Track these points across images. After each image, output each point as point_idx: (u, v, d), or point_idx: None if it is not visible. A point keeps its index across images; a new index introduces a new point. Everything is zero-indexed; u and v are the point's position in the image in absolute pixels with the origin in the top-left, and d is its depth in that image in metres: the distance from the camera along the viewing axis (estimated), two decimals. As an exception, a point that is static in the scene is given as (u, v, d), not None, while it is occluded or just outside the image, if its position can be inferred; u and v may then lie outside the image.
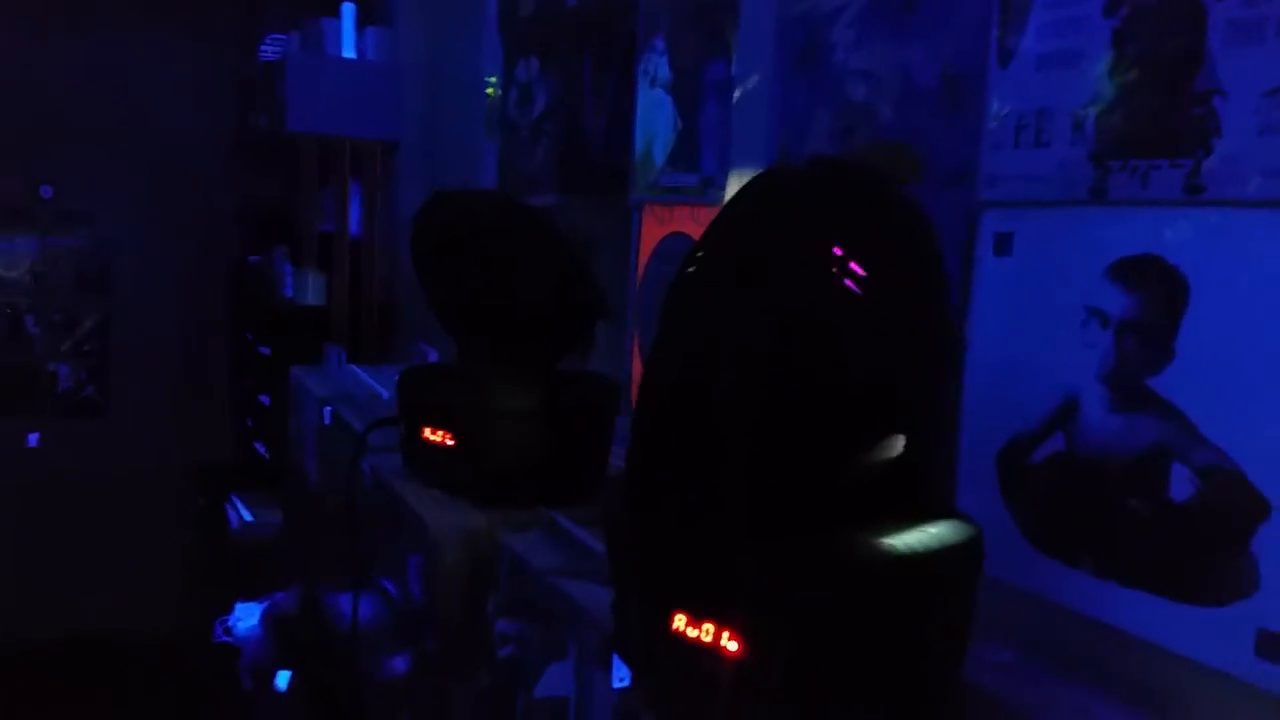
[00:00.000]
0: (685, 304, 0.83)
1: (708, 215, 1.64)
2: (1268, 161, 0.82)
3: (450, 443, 1.41)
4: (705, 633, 0.78)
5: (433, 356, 2.66)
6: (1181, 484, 0.89)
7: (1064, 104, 1.00)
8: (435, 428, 1.42)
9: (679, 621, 0.80)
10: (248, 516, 3.52)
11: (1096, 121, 0.97)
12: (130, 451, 4.67)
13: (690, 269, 0.81)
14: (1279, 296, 0.82)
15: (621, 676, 0.91)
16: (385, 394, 2.07)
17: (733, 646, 0.77)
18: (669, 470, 0.82)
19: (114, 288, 4.72)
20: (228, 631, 2.31)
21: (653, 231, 1.83)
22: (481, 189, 2.49)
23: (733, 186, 1.55)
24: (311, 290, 3.46)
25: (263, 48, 3.80)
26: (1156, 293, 0.91)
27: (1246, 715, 0.84)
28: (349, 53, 3.34)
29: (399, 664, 1.55)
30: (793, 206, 0.79)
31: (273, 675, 2.03)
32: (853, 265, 0.72)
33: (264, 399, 3.81)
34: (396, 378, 1.55)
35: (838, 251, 0.73)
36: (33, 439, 4.65)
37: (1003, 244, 1.06)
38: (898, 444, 0.78)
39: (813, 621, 0.75)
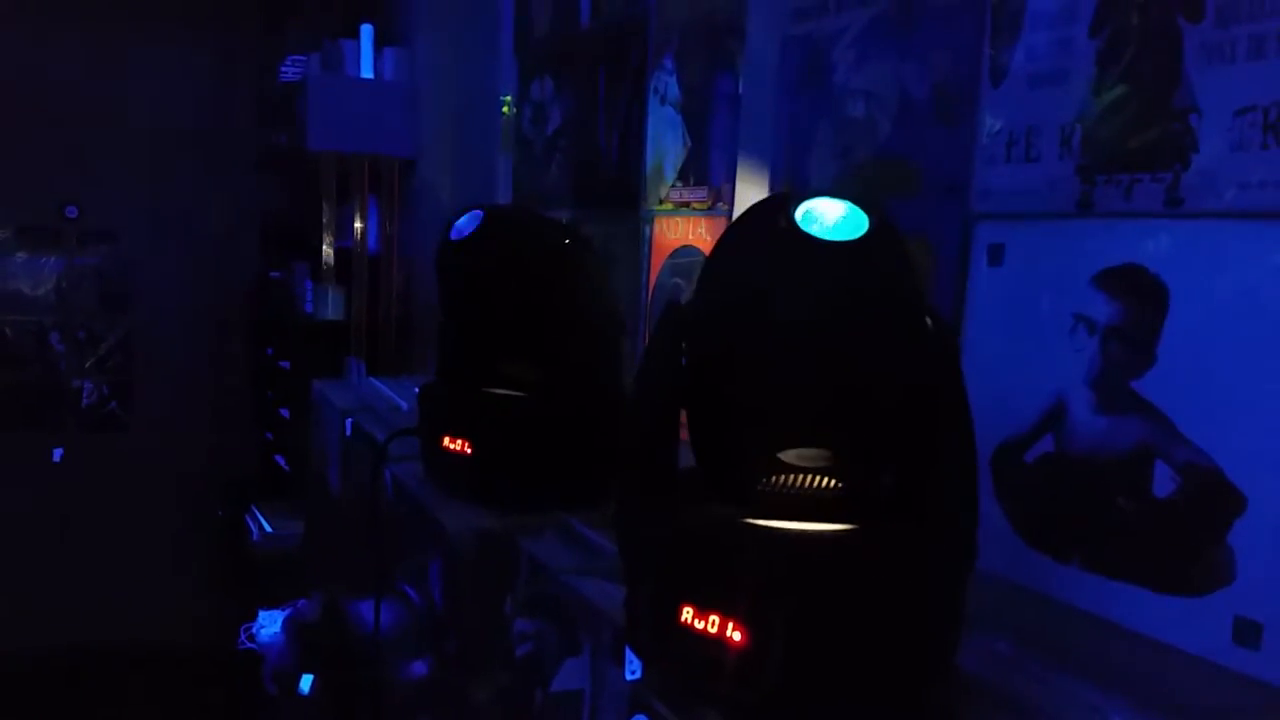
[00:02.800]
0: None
1: (716, 228, 1.69)
2: (1241, 175, 0.87)
3: (469, 451, 1.46)
4: (711, 624, 0.83)
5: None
6: (1164, 481, 0.93)
7: (1052, 120, 1.05)
8: (454, 437, 1.47)
9: (686, 614, 0.84)
10: (268, 527, 3.57)
11: (1083, 137, 1.02)
12: (153, 465, 4.74)
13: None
14: (1253, 303, 0.86)
15: (634, 669, 0.96)
16: (405, 405, 2.13)
17: (737, 637, 0.81)
18: (663, 471, 0.88)
19: (136, 305, 4.80)
20: (251, 638, 2.35)
21: (663, 244, 1.88)
22: (515, 205, 2.53)
23: (740, 201, 1.60)
24: (331, 305, 3.51)
25: (283, 69, 3.88)
26: (1139, 300, 0.95)
27: (1225, 699, 0.88)
28: (367, 73, 3.40)
29: (419, 668, 1.59)
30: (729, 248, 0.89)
31: (296, 680, 2.07)
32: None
33: (284, 412, 3.87)
34: (416, 389, 1.60)
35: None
36: (57, 454, 4.72)
37: (995, 255, 1.11)
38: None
39: (810, 613, 0.80)
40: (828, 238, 0.79)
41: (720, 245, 0.90)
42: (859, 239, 0.80)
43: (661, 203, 1.88)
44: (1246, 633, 0.86)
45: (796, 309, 0.80)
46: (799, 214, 0.80)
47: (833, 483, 0.83)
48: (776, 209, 0.82)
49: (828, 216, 0.80)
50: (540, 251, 1.49)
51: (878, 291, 0.82)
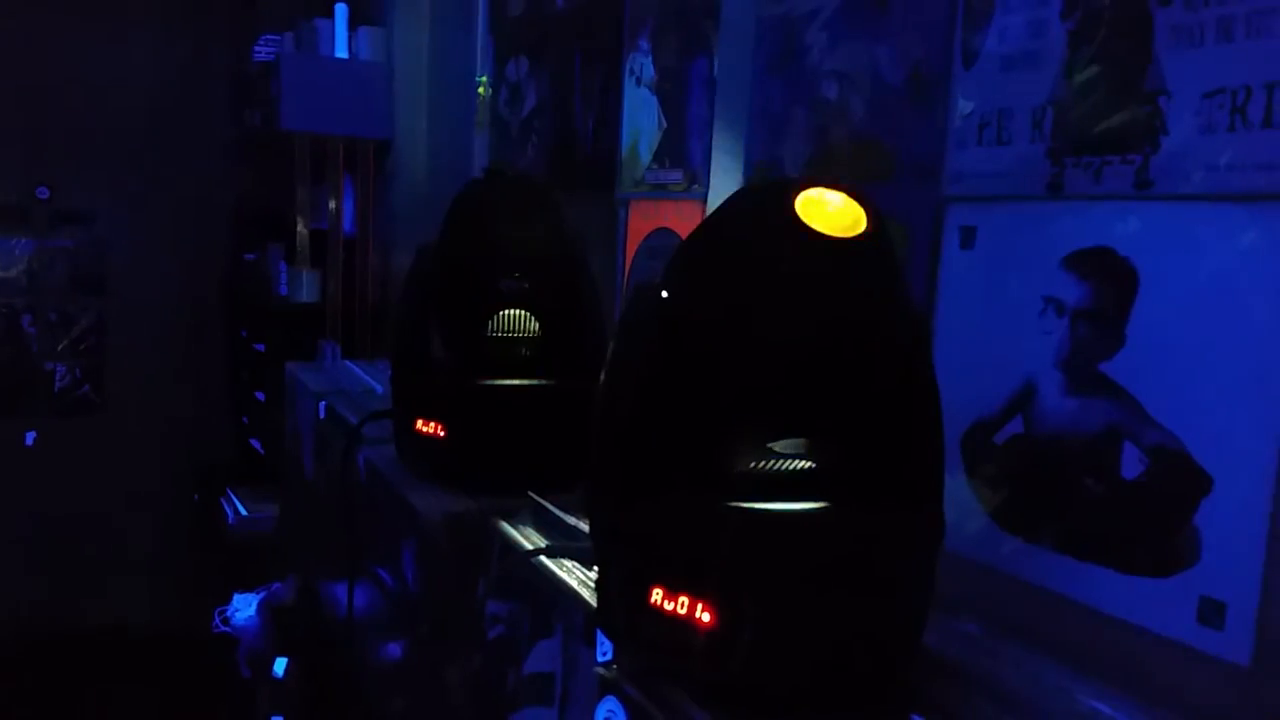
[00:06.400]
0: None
1: (692, 211, 1.69)
2: (1209, 158, 0.87)
3: (442, 434, 1.46)
4: (681, 605, 0.83)
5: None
6: (1132, 463, 0.93)
7: (1024, 103, 1.05)
8: (427, 420, 1.47)
9: (656, 596, 0.84)
10: (244, 511, 3.56)
11: (1054, 120, 1.02)
12: (127, 449, 4.70)
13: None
14: (1220, 285, 0.87)
15: (605, 651, 0.96)
16: (379, 388, 2.12)
17: (705, 618, 0.82)
18: (634, 453, 0.88)
19: (109, 287, 4.75)
20: (226, 622, 2.35)
21: (639, 227, 1.87)
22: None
23: (715, 183, 1.60)
24: (306, 287, 3.49)
25: (257, 48, 3.84)
26: (1108, 282, 0.96)
27: (1190, 679, 0.89)
28: (341, 53, 3.37)
29: (394, 650, 1.59)
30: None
31: (270, 663, 2.07)
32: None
33: (259, 395, 3.85)
34: (390, 372, 1.59)
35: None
36: (30, 438, 4.68)
37: (967, 237, 1.11)
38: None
39: (777, 593, 0.80)
40: (832, 233, 0.79)
41: (708, 230, 0.89)
42: (862, 234, 0.79)
43: (637, 185, 1.87)
44: (1211, 613, 0.87)
45: (792, 299, 0.79)
46: (800, 206, 0.80)
47: (807, 464, 0.83)
48: (776, 199, 0.81)
49: (829, 209, 0.80)
50: (563, 218, 1.49)
51: (870, 282, 0.82)
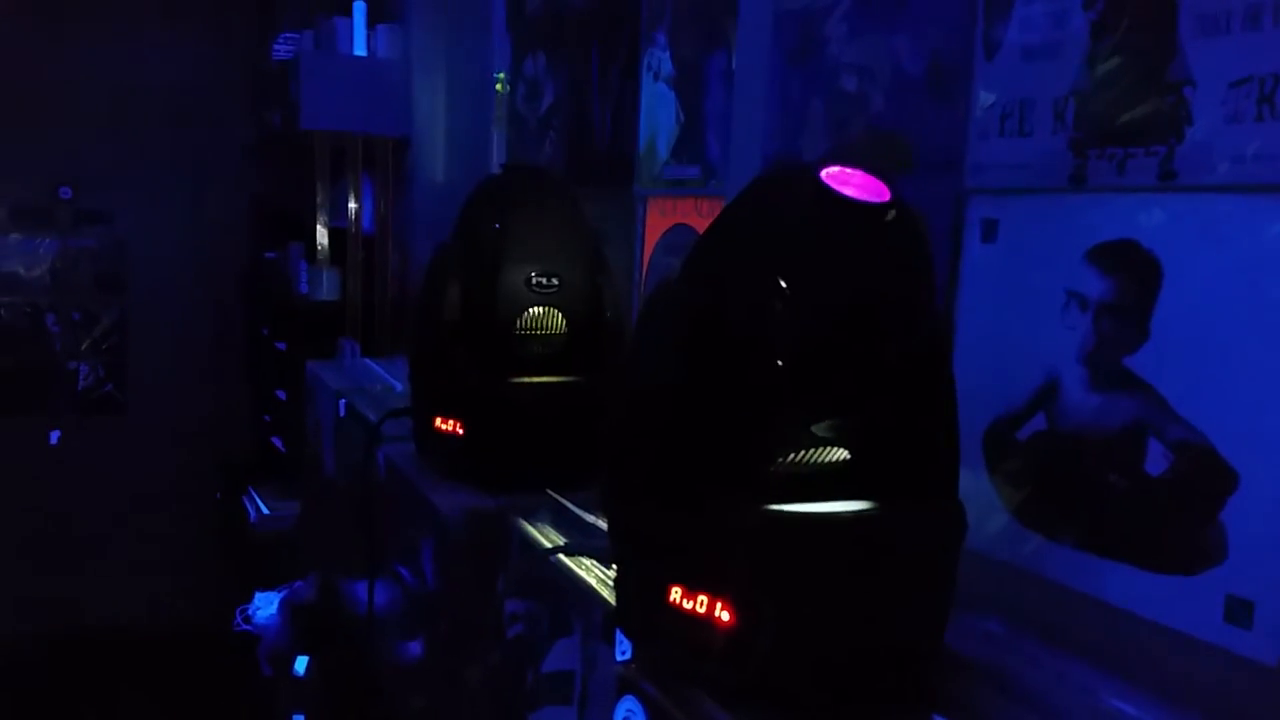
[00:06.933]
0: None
1: (710, 207, 1.68)
2: (1235, 148, 0.85)
3: (460, 432, 1.45)
4: (700, 604, 0.82)
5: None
6: (1156, 459, 0.92)
7: (1045, 94, 1.03)
8: (446, 418, 1.47)
9: (675, 595, 0.84)
10: (265, 509, 3.58)
11: (1076, 111, 1.00)
12: (149, 447, 4.74)
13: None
14: (1246, 277, 0.85)
15: (624, 649, 0.95)
16: (398, 385, 2.12)
17: (725, 617, 0.81)
18: (652, 451, 0.87)
19: (131, 286, 4.79)
20: (247, 620, 2.36)
21: (657, 223, 1.86)
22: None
23: (733, 178, 1.59)
24: (326, 285, 3.50)
25: (276, 47, 3.85)
26: (1132, 276, 0.94)
27: (1216, 679, 0.87)
28: (360, 50, 3.38)
29: (414, 648, 1.59)
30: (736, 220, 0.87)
31: (291, 661, 2.08)
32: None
33: (280, 393, 3.86)
34: (409, 370, 1.59)
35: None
36: (54, 436, 4.72)
37: (989, 230, 1.10)
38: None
39: (797, 592, 0.79)
40: (860, 199, 0.78)
41: (732, 213, 0.88)
42: (889, 202, 0.79)
43: (655, 181, 1.87)
44: (1238, 611, 0.85)
45: (827, 268, 0.78)
46: (826, 177, 0.79)
47: (830, 459, 0.82)
48: (802, 174, 0.80)
49: (855, 180, 0.80)
50: (581, 214, 1.50)
51: (904, 246, 0.80)
